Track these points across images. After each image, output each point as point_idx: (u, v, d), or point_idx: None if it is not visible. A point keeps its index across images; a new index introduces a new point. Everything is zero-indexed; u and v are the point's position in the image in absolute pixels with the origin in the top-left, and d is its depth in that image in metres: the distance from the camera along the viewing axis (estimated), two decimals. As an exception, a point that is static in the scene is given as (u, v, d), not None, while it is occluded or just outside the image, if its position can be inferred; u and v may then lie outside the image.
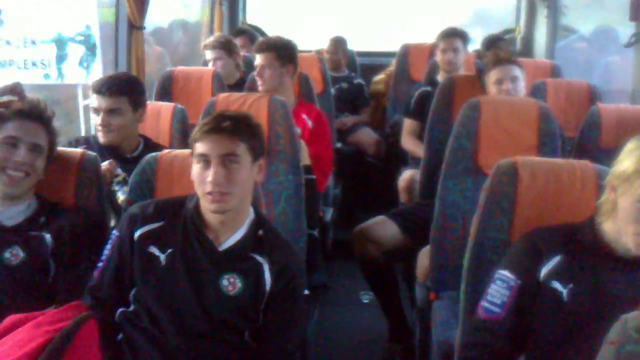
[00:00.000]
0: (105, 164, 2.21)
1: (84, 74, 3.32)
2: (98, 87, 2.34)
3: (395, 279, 2.92)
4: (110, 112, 2.34)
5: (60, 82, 3.34)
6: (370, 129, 4.63)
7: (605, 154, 2.40)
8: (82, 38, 3.29)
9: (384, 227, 2.84)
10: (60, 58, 3.33)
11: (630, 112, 2.61)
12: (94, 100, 2.36)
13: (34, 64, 3.29)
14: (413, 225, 2.83)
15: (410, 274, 2.80)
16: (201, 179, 1.63)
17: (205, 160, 1.63)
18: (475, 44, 4.70)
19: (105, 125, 2.34)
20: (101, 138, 2.37)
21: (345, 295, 3.54)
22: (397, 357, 2.91)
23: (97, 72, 3.26)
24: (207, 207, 1.66)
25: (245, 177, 1.66)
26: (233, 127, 1.63)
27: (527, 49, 5.18)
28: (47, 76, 3.31)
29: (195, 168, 1.65)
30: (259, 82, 2.99)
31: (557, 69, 4.01)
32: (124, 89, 2.37)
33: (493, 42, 4.42)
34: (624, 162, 1.52)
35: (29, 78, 3.19)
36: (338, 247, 3.61)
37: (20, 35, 3.24)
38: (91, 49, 3.29)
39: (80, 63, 3.32)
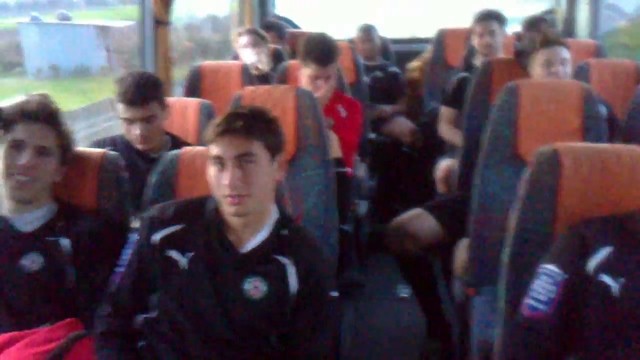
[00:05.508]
0: None
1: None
2: (129, 98, 2.27)
3: (433, 274, 2.81)
4: (146, 120, 2.30)
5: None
6: (405, 118, 4.51)
7: (656, 137, 2.26)
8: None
9: (420, 221, 2.73)
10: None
11: (683, 91, 2.44)
12: (125, 111, 2.30)
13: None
14: (451, 218, 2.71)
15: (448, 268, 2.70)
16: (218, 182, 1.55)
17: (220, 162, 1.55)
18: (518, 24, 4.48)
19: (144, 135, 2.31)
20: (139, 146, 2.35)
21: (382, 289, 3.44)
22: (435, 355, 2.80)
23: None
24: (226, 210, 1.58)
25: (264, 176, 1.57)
26: (246, 126, 1.55)
27: (569, 29, 4.96)
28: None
29: (212, 170, 1.57)
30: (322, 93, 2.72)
31: (600, 50, 3.80)
32: (153, 94, 2.32)
33: (534, 23, 4.22)
34: None
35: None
36: (374, 240, 3.52)
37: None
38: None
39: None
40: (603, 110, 2.39)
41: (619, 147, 1.70)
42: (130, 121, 2.32)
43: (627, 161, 1.63)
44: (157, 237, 1.63)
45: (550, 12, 5.29)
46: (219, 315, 1.57)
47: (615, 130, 2.69)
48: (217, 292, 1.58)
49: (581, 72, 3.10)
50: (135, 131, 2.31)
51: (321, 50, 2.74)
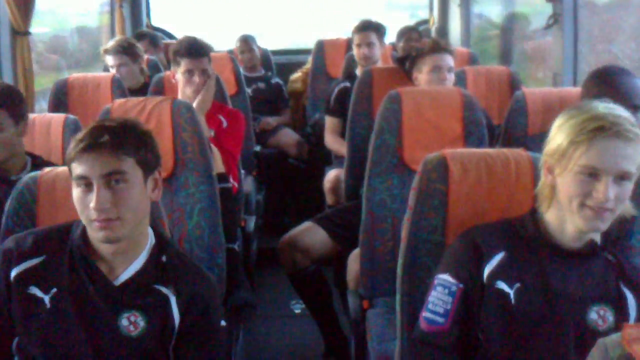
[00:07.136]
0: None
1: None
2: None
3: (327, 288, 2.75)
4: None
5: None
6: (290, 130, 4.45)
7: (534, 141, 2.31)
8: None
9: (310, 235, 2.66)
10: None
11: (556, 95, 2.53)
12: None
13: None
14: (341, 229, 2.66)
15: (342, 280, 2.64)
16: (83, 205, 1.37)
17: (86, 183, 1.37)
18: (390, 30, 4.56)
19: None
20: None
21: (275, 307, 3.33)
22: (334, 372, 2.74)
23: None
24: (94, 236, 1.40)
25: (137, 197, 1.40)
26: (114, 140, 1.37)
27: (443, 38, 5.13)
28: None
29: (76, 192, 1.39)
30: (193, 92, 2.67)
31: (473, 57, 3.96)
32: (1, 101, 2.09)
33: (407, 34, 4.32)
34: (556, 138, 1.40)
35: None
36: (264, 256, 3.41)
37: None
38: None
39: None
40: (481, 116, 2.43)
41: (504, 151, 1.69)
42: None
43: (513, 165, 1.63)
44: (14, 272, 1.43)
45: (424, 22, 5.47)
46: (91, 357, 1.39)
47: (492, 135, 2.76)
48: (87, 331, 1.40)
49: (458, 79, 3.17)
50: None
51: (191, 44, 2.71)
